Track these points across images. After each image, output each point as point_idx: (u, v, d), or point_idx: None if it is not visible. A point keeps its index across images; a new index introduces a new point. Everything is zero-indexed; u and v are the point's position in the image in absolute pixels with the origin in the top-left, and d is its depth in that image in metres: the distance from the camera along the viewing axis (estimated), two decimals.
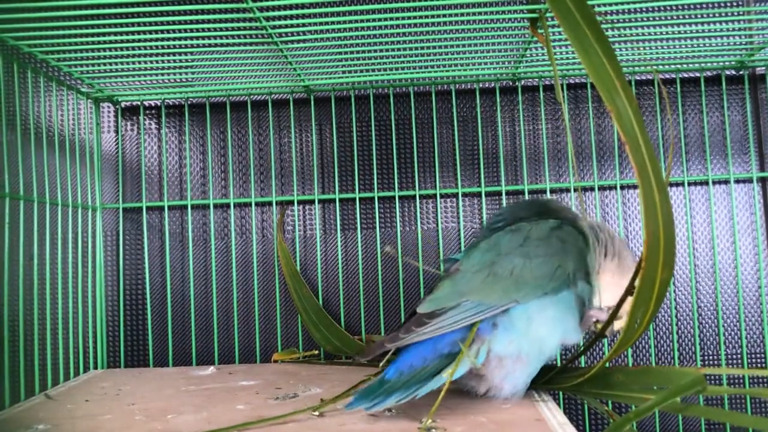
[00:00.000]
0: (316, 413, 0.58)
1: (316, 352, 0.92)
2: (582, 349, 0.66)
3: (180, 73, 0.88)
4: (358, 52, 0.80)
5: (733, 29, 0.82)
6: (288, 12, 0.68)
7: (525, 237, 0.63)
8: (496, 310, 0.58)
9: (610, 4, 0.73)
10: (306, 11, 0.68)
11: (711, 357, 0.94)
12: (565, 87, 0.96)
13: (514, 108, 0.98)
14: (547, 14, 0.68)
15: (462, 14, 0.73)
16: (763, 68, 0.95)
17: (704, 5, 0.85)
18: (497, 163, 0.97)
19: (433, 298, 0.60)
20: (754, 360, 0.93)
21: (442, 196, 0.97)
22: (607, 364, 0.59)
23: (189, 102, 0.99)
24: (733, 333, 0.94)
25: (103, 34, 0.74)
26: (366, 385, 0.57)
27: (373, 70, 0.89)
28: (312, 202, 0.97)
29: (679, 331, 0.94)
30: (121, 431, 0.56)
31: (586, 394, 0.60)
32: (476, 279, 0.60)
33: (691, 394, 0.49)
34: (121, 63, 0.83)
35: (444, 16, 0.74)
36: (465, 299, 0.59)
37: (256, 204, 0.98)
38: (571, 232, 0.64)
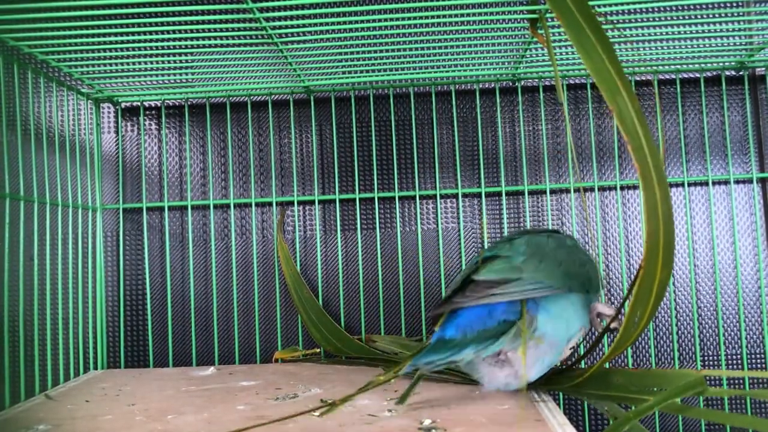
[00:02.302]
0: (317, 414, 0.58)
1: (318, 350, 0.92)
2: (592, 344, 0.66)
3: (180, 74, 0.88)
4: (358, 52, 0.80)
5: (733, 30, 0.82)
6: (288, 12, 0.68)
7: (558, 242, 0.67)
8: (550, 291, 0.61)
9: (611, 5, 0.73)
10: (306, 12, 0.68)
11: (711, 357, 0.94)
12: (565, 87, 0.97)
13: (514, 108, 0.98)
14: (547, 15, 0.68)
15: (462, 14, 0.73)
16: (763, 69, 0.95)
17: (704, 6, 0.85)
18: (497, 163, 0.97)
19: (492, 270, 0.62)
20: (754, 360, 0.93)
21: (442, 197, 0.97)
22: (606, 365, 0.59)
23: (189, 103, 1.00)
24: (733, 333, 0.94)
25: (104, 35, 0.74)
26: (427, 346, 0.60)
27: (373, 71, 0.89)
28: (312, 202, 0.97)
29: (679, 332, 0.94)
30: (121, 431, 0.56)
31: (587, 395, 0.61)
32: (531, 262, 0.63)
33: (691, 395, 0.49)
34: (122, 64, 0.83)
35: (444, 16, 0.74)
36: (524, 275, 0.61)
37: (256, 204, 0.98)
38: (584, 251, 0.69)
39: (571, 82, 0.97)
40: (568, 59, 0.86)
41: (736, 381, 0.93)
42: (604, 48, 0.48)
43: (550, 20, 0.69)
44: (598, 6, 0.72)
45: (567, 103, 0.97)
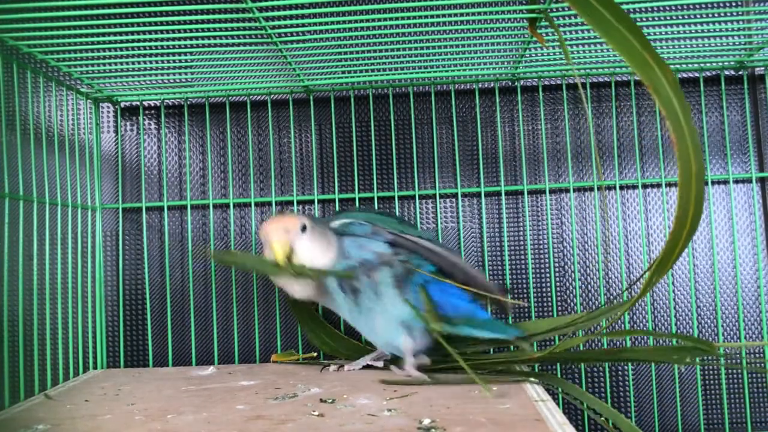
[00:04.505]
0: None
1: (315, 354, 0.92)
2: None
3: (179, 74, 0.88)
4: (357, 52, 0.80)
5: (733, 29, 0.82)
6: (287, 12, 0.68)
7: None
8: None
9: None
10: (305, 11, 0.68)
11: (710, 357, 0.94)
12: (564, 87, 0.96)
13: (513, 108, 0.98)
14: (551, 14, 0.68)
15: (461, 14, 0.73)
16: (763, 68, 0.95)
17: (703, 5, 0.85)
18: (497, 163, 0.97)
19: None
20: (753, 360, 0.93)
21: (441, 196, 0.97)
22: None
23: (188, 102, 1.00)
24: (732, 333, 0.94)
25: (103, 34, 0.74)
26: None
27: (373, 71, 0.89)
28: (312, 202, 0.97)
29: (679, 331, 0.94)
30: (120, 431, 0.56)
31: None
32: None
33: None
34: (121, 63, 0.83)
35: (443, 16, 0.74)
36: None
37: (256, 204, 0.98)
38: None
39: (571, 81, 0.97)
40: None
41: (736, 375, 0.93)
42: (624, 23, 0.48)
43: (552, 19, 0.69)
44: None
45: (567, 103, 0.97)
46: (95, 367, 0.92)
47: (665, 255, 0.52)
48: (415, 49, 0.81)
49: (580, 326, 0.70)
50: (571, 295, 0.95)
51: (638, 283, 0.95)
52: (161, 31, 0.74)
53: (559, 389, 0.71)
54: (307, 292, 0.75)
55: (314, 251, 0.72)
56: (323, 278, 0.73)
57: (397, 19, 0.71)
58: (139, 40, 0.75)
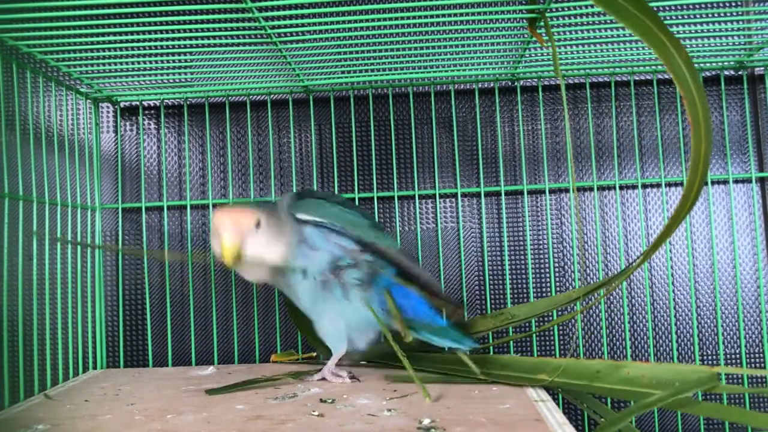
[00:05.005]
0: (317, 412, 0.58)
1: (315, 354, 0.92)
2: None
3: (179, 73, 0.88)
4: (357, 52, 0.80)
5: (732, 29, 0.82)
6: (287, 12, 0.68)
7: None
8: None
9: None
10: (305, 11, 0.68)
11: (710, 357, 0.94)
12: (564, 87, 0.96)
13: (513, 108, 0.98)
14: (551, 14, 0.68)
15: (461, 14, 0.73)
16: (762, 68, 0.95)
17: (703, 5, 0.85)
18: (496, 163, 0.97)
19: None
20: (752, 360, 0.93)
21: (441, 196, 0.97)
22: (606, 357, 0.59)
23: (188, 102, 1.00)
24: (732, 333, 0.94)
25: (102, 34, 0.74)
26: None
27: (373, 71, 0.89)
28: None
29: (678, 331, 0.94)
30: (120, 431, 0.56)
31: (587, 396, 0.61)
32: None
33: (703, 391, 0.50)
34: (120, 63, 0.83)
35: (443, 16, 0.74)
36: None
37: None
38: None
39: (570, 81, 0.97)
40: (567, 58, 0.86)
41: (736, 379, 0.93)
42: (639, 7, 0.52)
43: (550, 19, 0.69)
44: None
45: (567, 103, 0.97)
46: (95, 367, 0.92)
47: (674, 218, 0.55)
48: (415, 49, 0.81)
49: (578, 300, 0.70)
50: None
51: (637, 276, 0.95)
52: (161, 31, 0.74)
53: (559, 389, 0.70)
54: (258, 274, 0.73)
55: (267, 247, 0.70)
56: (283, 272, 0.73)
57: (397, 19, 0.71)
58: (138, 40, 0.75)
